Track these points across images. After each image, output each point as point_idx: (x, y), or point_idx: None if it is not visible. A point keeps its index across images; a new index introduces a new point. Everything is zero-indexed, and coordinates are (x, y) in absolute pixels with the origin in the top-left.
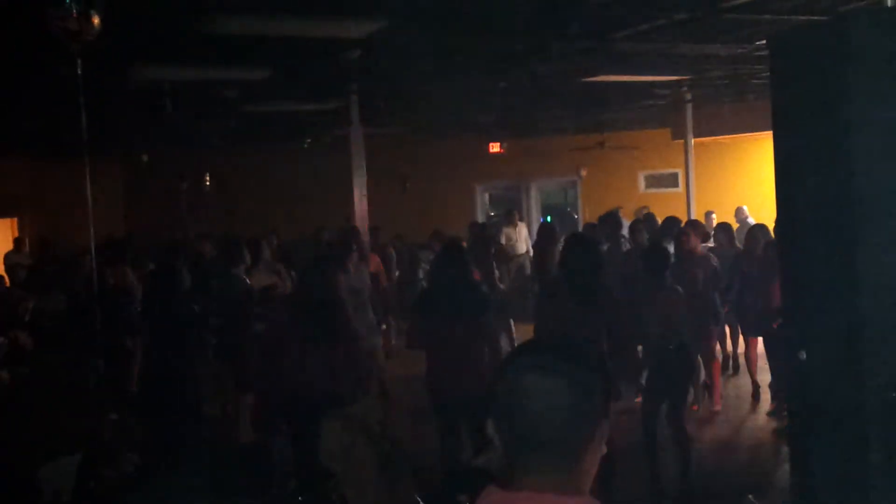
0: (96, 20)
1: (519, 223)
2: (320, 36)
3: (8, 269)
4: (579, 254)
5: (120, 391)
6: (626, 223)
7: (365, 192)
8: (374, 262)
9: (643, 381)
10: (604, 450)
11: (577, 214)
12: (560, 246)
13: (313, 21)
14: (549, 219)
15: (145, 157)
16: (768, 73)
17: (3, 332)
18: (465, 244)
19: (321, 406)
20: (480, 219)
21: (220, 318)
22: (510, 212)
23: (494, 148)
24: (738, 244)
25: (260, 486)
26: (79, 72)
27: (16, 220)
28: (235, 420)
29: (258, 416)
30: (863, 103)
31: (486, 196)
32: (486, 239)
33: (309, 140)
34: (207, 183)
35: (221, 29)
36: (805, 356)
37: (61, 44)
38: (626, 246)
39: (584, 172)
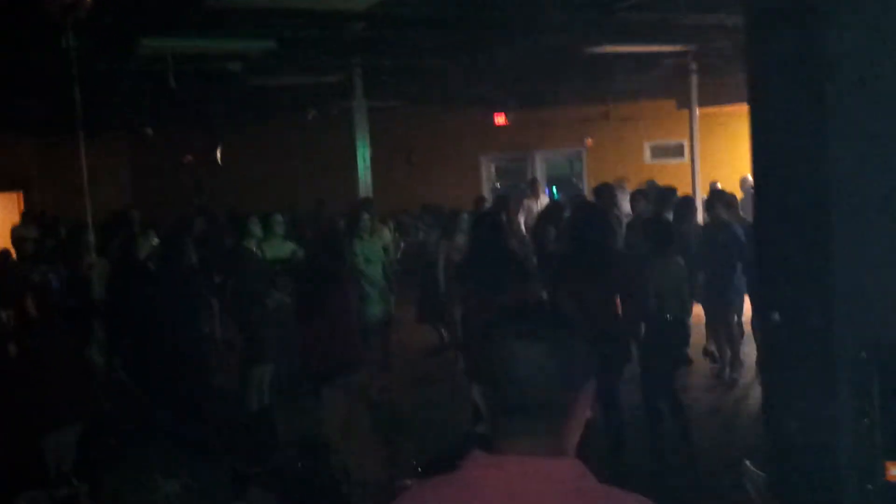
0: None
1: (542, 195)
2: (323, 8)
3: (15, 241)
4: (588, 222)
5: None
6: (628, 194)
7: (368, 164)
8: (384, 233)
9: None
10: (588, 413)
11: (582, 185)
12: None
13: None
14: (554, 190)
15: (150, 131)
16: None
17: (11, 303)
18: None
19: (322, 375)
20: (486, 190)
21: (232, 290)
22: (534, 181)
23: (499, 119)
24: (742, 214)
25: (261, 454)
26: (71, 46)
27: (22, 193)
28: (246, 390)
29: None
30: (843, 81)
31: (492, 167)
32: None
33: (313, 113)
34: (219, 157)
35: (224, 2)
36: (778, 317)
37: (55, 18)
38: (623, 217)
39: (589, 143)
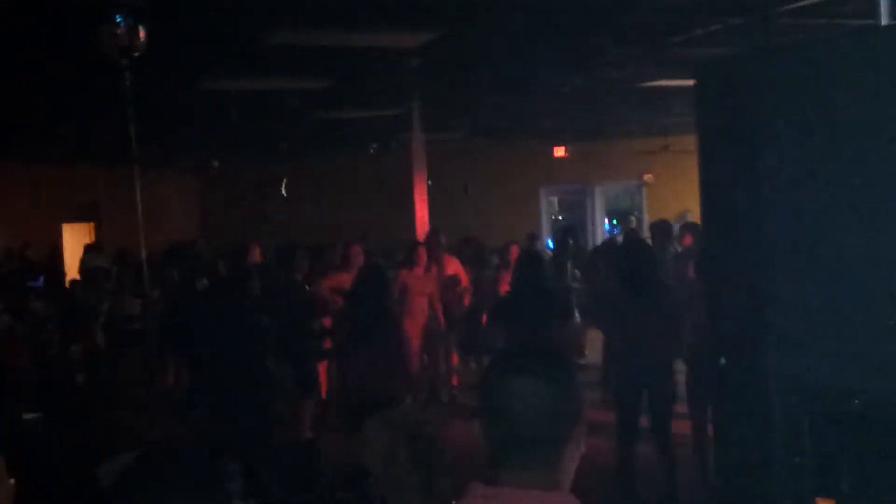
0: (143, 35)
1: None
2: (380, 45)
3: (85, 272)
4: (635, 259)
5: (188, 391)
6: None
7: (426, 197)
8: (453, 265)
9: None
10: (582, 449)
11: (642, 219)
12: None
13: (371, 32)
14: (615, 223)
15: (216, 164)
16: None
17: (80, 332)
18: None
19: (366, 407)
20: (545, 223)
21: (282, 322)
22: (628, 217)
23: (559, 152)
24: None
25: (305, 484)
26: (128, 85)
27: (93, 224)
28: (297, 423)
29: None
30: (778, 136)
31: (552, 200)
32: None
33: (374, 146)
34: (284, 190)
35: (284, 40)
36: (724, 361)
37: (111, 58)
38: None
39: (648, 176)
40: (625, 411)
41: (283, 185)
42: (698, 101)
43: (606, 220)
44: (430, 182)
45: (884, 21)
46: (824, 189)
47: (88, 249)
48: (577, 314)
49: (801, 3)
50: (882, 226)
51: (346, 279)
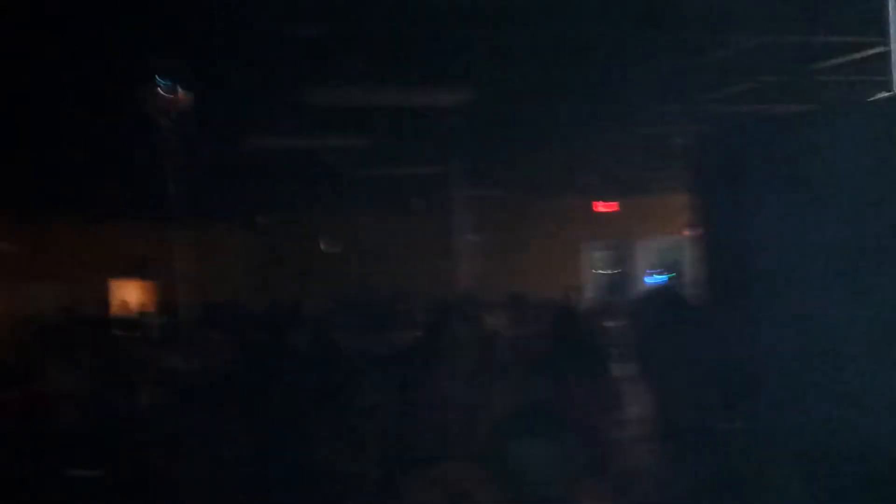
0: (183, 95)
1: None
2: (420, 104)
3: (137, 327)
4: (663, 310)
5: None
6: None
7: (468, 253)
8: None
9: None
10: None
11: (685, 273)
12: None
13: (411, 90)
14: (657, 276)
15: (260, 220)
16: None
17: (132, 389)
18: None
19: (411, 462)
20: (587, 277)
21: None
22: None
23: (600, 207)
24: None
25: None
26: (167, 144)
27: (142, 280)
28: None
29: None
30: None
31: (595, 255)
32: None
33: (416, 202)
34: (323, 246)
35: (325, 99)
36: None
37: (153, 116)
38: None
39: (691, 231)
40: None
41: (323, 242)
42: (693, 171)
43: (649, 274)
44: (471, 237)
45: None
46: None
47: (142, 307)
48: (614, 369)
49: (835, 62)
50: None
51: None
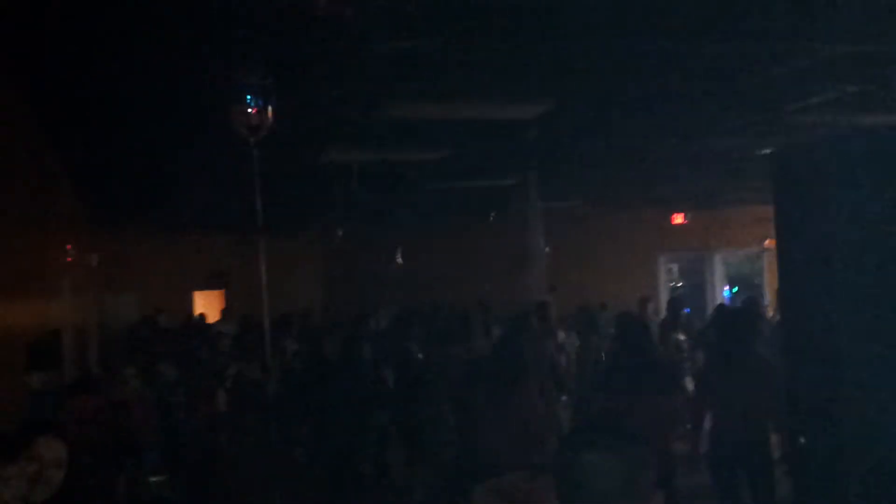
0: (272, 114)
1: None
2: (497, 117)
3: (213, 337)
4: (731, 325)
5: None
6: None
7: (544, 264)
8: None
9: None
10: None
11: (763, 286)
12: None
13: (488, 103)
14: (735, 290)
15: (339, 233)
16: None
17: (205, 397)
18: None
19: (475, 472)
20: (662, 290)
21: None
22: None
23: (677, 219)
24: None
25: None
26: (256, 159)
27: (224, 291)
28: (406, 488)
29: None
30: (843, 220)
31: (671, 267)
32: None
33: (493, 214)
34: (399, 258)
35: (403, 113)
36: (803, 441)
37: (243, 137)
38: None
39: (769, 244)
40: (721, 486)
41: (399, 253)
42: (775, 186)
43: (727, 287)
44: (548, 250)
45: None
46: None
47: (223, 315)
48: (684, 386)
49: None
50: None
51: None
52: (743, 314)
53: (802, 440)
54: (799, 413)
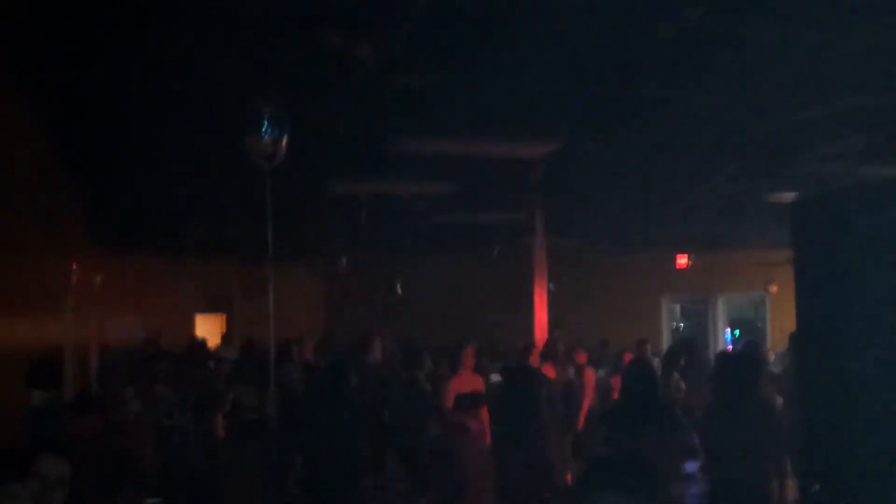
0: (286, 143)
1: None
2: (503, 155)
3: (215, 360)
4: (732, 370)
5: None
6: None
7: (546, 301)
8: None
9: None
10: None
11: (766, 330)
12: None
13: (496, 142)
14: (737, 333)
15: (344, 261)
16: None
17: (204, 421)
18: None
19: None
20: (665, 332)
21: (396, 421)
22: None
23: (681, 261)
24: None
25: None
26: (267, 187)
27: (225, 316)
28: None
29: None
30: (860, 273)
31: (674, 309)
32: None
33: (498, 249)
34: (399, 290)
35: (411, 147)
36: (817, 488)
37: (258, 165)
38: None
39: (773, 288)
40: None
41: (398, 285)
42: (794, 235)
43: (728, 330)
44: (552, 287)
45: None
46: None
47: (224, 340)
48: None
49: None
50: None
51: (470, 381)
52: (745, 358)
53: (816, 487)
54: (812, 460)
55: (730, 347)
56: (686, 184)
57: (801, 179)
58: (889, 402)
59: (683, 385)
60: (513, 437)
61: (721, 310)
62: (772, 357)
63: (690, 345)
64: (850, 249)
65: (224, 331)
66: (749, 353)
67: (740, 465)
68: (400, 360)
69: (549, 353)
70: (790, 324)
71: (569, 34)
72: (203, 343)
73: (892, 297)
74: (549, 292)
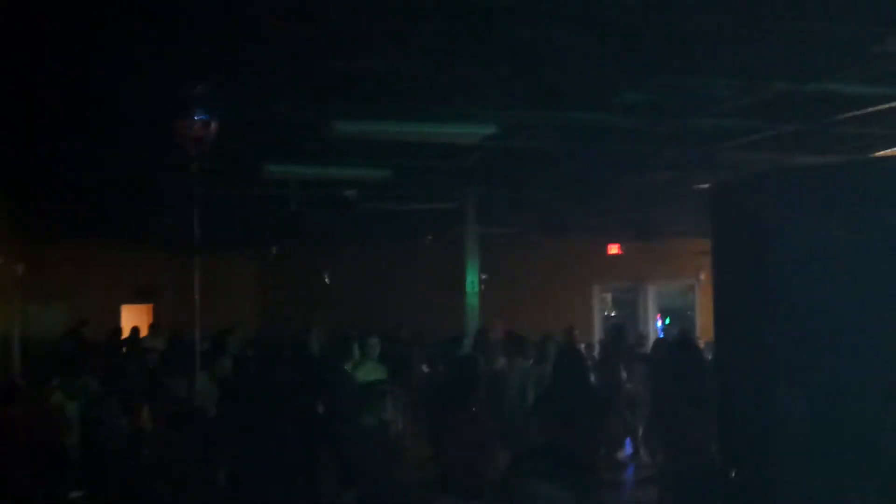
0: (215, 128)
1: None
2: (438, 141)
3: (142, 352)
4: (685, 357)
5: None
6: None
7: (477, 289)
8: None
9: None
10: None
11: (695, 318)
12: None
13: (430, 128)
14: (668, 321)
15: (274, 251)
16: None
17: (130, 412)
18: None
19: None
20: (596, 320)
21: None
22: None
23: (613, 249)
24: None
25: None
26: (202, 169)
27: (152, 305)
28: None
29: None
30: (776, 257)
31: (606, 296)
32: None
33: (430, 237)
34: (326, 279)
35: (345, 133)
36: (734, 474)
37: (185, 149)
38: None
39: (703, 276)
40: None
41: (326, 274)
42: (712, 219)
43: (658, 318)
44: (484, 275)
45: None
46: (830, 303)
47: (151, 330)
48: (618, 412)
49: (857, 113)
50: (888, 335)
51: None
52: (687, 342)
53: (733, 474)
54: (731, 447)
55: (661, 335)
56: (617, 172)
57: (730, 168)
58: (806, 386)
59: (625, 374)
60: (450, 426)
61: (652, 298)
62: (701, 345)
63: (622, 332)
64: (765, 233)
65: (151, 321)
66: (688, 340)
67: (687, 454)
68: (331, 350)
69: (480, 342)
70: None
71: (503, 20)
72: (135, 333)
73: (807, 281)
74: (481, 280)
